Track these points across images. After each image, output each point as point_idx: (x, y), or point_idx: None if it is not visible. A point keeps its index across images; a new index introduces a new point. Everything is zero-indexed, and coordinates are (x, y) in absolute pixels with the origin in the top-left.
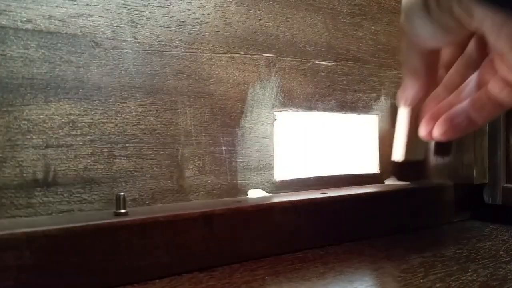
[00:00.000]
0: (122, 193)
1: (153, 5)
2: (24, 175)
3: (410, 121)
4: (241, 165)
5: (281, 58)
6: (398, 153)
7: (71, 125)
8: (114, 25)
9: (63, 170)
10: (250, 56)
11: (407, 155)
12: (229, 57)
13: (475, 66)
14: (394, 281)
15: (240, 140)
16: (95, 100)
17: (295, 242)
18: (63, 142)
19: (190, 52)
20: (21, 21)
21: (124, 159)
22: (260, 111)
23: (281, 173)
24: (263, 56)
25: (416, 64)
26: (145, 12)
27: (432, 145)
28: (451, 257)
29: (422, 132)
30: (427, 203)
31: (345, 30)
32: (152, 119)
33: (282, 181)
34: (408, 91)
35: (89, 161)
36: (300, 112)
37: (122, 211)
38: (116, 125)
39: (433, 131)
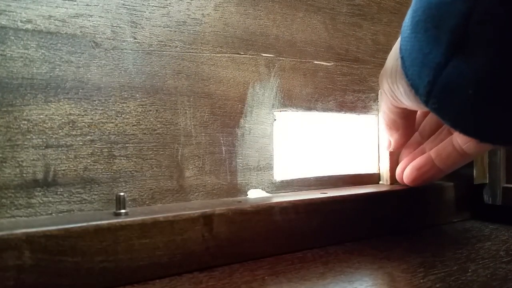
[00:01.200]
0: (122, 193)
1: (153, 5)
2: (24, 175)
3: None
4: (241, 165)
5: (281, 58)
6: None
7: (71, 125)
8: (114, 25)
9: (63, 170)
10: (250, 56)
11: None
12: (229, 57)
13: None
14: (394, 281)
15: (240, 140)
16: (95, 100)
17: (295, 242)
18: (63, 142)
19: (190, 52)
20: (21, 21)
21: (124, 159)
22: (260, 111)
23: (281, 173)
24: (263, 56)
25: (395, 118)
26: (145, 12)
27: None
28: (451, 257)
29: (397, 176)
30: (427, 203)
31: (345, 30)
32: (152, 119)
33: (282, 181)
34: (389, 138)
35: (89, 161)
36: (300, 112)
37: (122, 211)
38: (116, 125)
39: (403, 177)
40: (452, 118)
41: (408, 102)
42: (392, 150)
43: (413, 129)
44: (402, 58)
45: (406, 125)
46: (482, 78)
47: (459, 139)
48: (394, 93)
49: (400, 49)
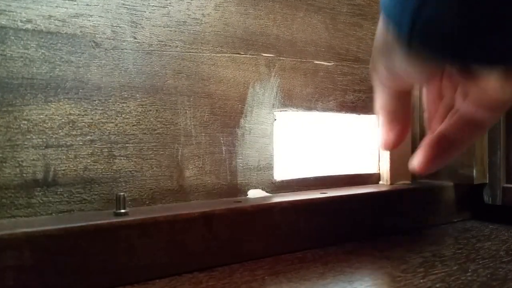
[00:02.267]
0: (122, 193)
1: (153, 5)
2: (24, 175)
3: None
4: (241, 165)
5: (281, 58)
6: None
7: (71, 125)
8: (114, 25)
9: (63, 170)
10: (250, 56)
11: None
12: (229, 57)
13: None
14: (394, 281)
15: (240, 140)
16: (95, 100)
17: (295, 242)
18: (63, 142)
19: (190, 52)
20: (21, 21)
21: (124, 159)
22: (260, 111)
23: (281, 173)
24: (263, 56)
25: (394, 106)
26: (145, 12)
27: None
28: (451, 257)
29: (411, 165)
30: (427, 203)
31: (345, 30)
32: (152, 119)
33: (282, 181)
34: (389, 135)
35: (89, 161)
36: (300, 112)
37: (122, 211)
38: (116, 125)
39: (415, 162)
40: (440, 47)
41: (407, 66)
42: (393, 148)
43: (410, 124)
44: (387, 16)
45: (405, 113)
46: None
47: (467, 110)
48: (393, 67)
49: (383, 9)
